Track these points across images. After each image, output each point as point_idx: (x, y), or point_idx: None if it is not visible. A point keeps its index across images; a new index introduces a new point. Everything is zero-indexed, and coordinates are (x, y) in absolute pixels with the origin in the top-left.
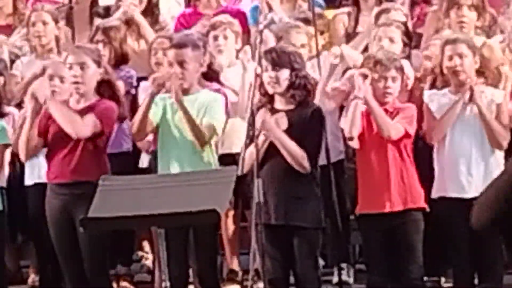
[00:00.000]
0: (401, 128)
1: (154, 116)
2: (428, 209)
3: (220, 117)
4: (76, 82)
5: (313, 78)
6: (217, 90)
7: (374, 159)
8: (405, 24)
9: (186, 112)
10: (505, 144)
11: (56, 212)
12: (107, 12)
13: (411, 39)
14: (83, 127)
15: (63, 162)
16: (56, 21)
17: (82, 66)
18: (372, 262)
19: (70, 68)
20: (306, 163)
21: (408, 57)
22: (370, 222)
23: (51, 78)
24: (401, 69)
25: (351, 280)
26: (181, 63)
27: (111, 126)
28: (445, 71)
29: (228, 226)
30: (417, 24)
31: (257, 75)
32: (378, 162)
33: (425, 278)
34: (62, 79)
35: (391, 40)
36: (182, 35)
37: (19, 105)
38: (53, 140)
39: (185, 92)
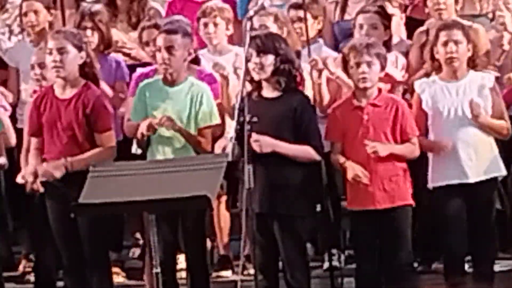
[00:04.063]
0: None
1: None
2: (413, 204)
3: (213, 110)
4: (55, 67)
5: (299, 64)
6: (208, 75)
7: (361, 157)
8: (382, 7)
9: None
10: (505, 132)
11: (55, 197)
12: None
13: (390, 21)
14: (112, 150)
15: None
16: (49, 8)
17: (61, 51)
18: (361, 250)
19: (50, 53)
20: (316, 155)
21: (389, 39)
22: (359, 213)
23: (33, 67)
24: (377, 55)
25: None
26: (169, 49)
27: (112, 118)
28: (437, 56)
29: (221, 212)
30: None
31: (247, 61)
32: (365, 161)
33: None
34: (40, 65)
35: (373, 26)
36: (173, 21)
37: None
38: (47, 132)
39: (172, 81)
